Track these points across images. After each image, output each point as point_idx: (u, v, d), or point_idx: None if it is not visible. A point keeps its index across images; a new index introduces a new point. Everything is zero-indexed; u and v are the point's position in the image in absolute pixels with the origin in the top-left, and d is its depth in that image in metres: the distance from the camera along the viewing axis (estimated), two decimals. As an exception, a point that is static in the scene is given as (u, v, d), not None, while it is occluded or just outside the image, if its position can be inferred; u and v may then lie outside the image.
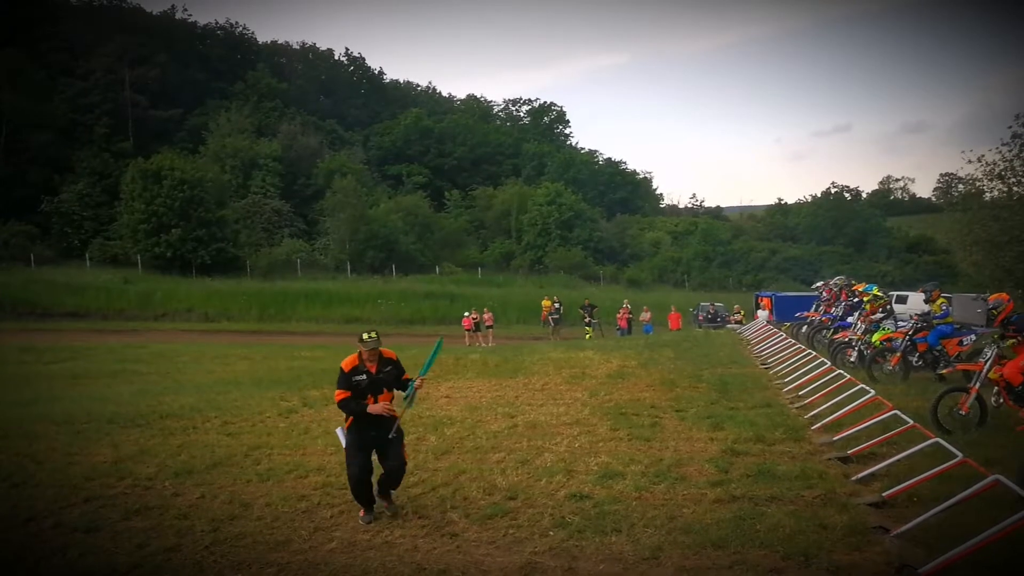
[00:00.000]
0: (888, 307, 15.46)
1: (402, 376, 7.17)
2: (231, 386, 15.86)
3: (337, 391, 6.97)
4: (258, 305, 42.24)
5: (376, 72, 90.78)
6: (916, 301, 21.84)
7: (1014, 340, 9.11)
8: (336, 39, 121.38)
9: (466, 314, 31.94)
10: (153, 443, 10.22)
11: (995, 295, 9.95)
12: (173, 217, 48.03)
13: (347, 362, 6.93)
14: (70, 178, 57.01)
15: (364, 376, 6.88)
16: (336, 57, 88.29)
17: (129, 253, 49.67)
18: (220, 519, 7.14)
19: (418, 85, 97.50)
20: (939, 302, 13.37)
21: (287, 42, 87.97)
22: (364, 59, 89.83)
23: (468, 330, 31.11)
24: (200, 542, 6.61)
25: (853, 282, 19.40)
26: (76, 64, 64.39)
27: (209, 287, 44.67)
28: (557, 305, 33.80)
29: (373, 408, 6.85)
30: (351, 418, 6.94)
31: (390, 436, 6.90)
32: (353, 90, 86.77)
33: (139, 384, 17.92)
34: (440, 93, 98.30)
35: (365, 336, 6.90)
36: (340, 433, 7.22)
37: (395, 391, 7.17)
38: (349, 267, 54.23)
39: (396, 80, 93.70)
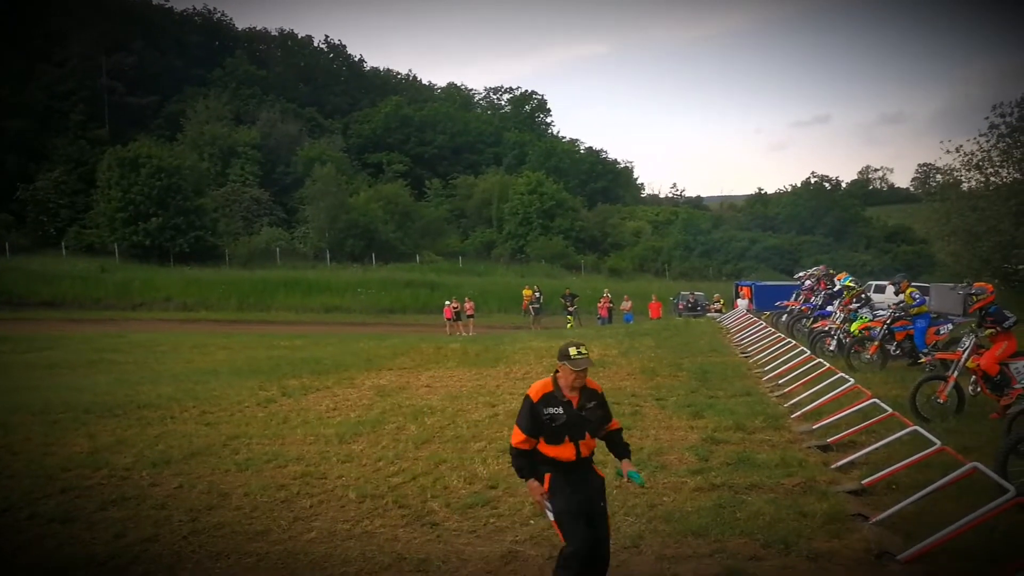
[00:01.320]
0: (864, 296, 15.57)
1: (608, 421, 5.10)
2: (209, 375, 15.74)
3: (515, 430, 4.94)
4: (237, 294, 41.94)
5: (356, 60, 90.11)
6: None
7: (992, 330, 9.20)
8: (316, 26, 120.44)
9: (447, 303, 31.89)
10: (130, 433, 10.12)
11: (979, 283, 10.05)
12: (151, 205, 47.58)
13: (536, 389, 4.93)
14: (46, 165, 56.13)
15: (561, 410, 4.82)
16: (316, 44, 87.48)
17: (106, 242, 49.17)
18: (198, 509, 7.09)
19: (398, 73, 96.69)
20: (909, 291, 13.50)
21: (266, 29, 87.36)
22: (344, 47, 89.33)
23: (449, 319, 31.06)
24: (178, 532, 6.56)
25: (832, 271, 19.51)
26: (52, 50, 63.37)
27: (187, 276, 44.30)
28: (538, 294, 33.83)
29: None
30: (549, 475, 4.89)
31: (601, 503, 5.01)
32: (333, 78, 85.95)
33: (116, 374, 17.74)
34: (420, 81, 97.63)
35: (573, 352, 4.78)
36: (547, 504, 4.93)
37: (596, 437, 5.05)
38: (329, 256, 53.90)
39: (376, 68, 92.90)
